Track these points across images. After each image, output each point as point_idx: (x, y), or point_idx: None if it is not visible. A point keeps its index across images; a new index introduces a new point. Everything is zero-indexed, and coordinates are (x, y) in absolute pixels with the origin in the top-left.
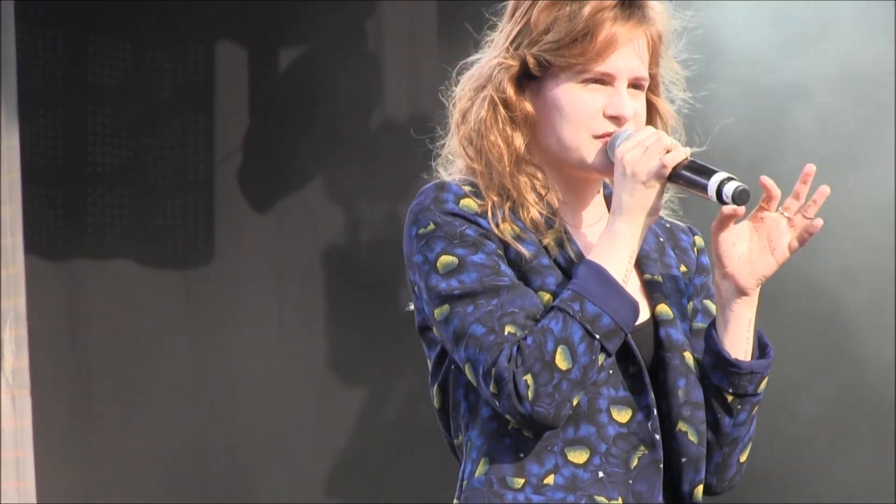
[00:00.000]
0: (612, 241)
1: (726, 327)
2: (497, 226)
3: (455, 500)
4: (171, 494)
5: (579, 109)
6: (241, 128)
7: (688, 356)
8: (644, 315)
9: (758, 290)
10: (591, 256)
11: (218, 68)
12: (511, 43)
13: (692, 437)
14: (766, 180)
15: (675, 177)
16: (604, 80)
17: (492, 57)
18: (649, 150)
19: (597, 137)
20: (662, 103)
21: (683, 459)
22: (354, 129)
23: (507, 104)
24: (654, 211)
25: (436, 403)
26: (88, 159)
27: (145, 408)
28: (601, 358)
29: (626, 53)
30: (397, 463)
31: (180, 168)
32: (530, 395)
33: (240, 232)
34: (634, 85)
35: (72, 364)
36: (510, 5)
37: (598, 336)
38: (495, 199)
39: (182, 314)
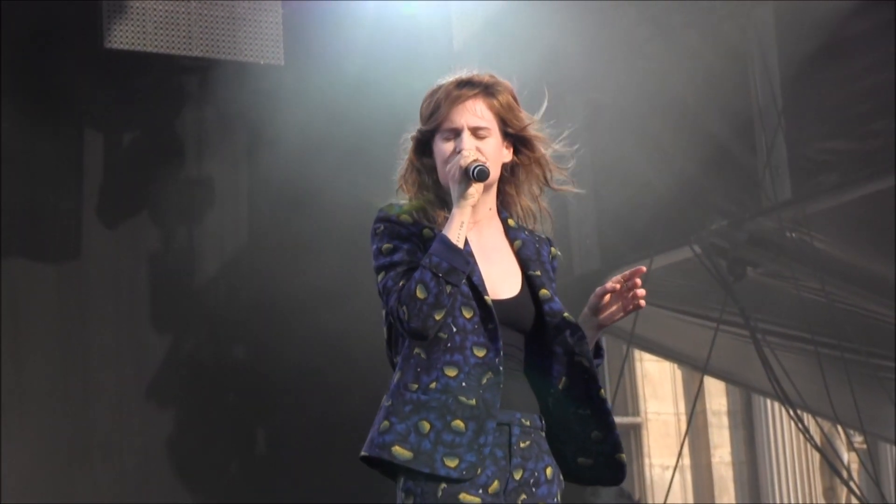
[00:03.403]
0: (450, 220)
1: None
2: (422, 231)
3: (384, 397)
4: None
5: (443, 153)
6: None
7: (566, 315)
8: (515, 290)
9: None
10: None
11: None
12: (419, 126)
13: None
14: (627, 273)
15: (466, 176)
16: (452, 133)
17: (411, 136)
18: (453, 165)
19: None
20: (537, 146)
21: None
22: None
23: (415, 162)
24: (469, 197)
25: (385, 335)
26: None
27: None
28: (448, 288)
29: (462, 112)
30: None
31: None
32: (406, 317)
33: None
34: (477, 135)
35: None
36: None
37: (440, 274)
38: (426, 210)
39: None
